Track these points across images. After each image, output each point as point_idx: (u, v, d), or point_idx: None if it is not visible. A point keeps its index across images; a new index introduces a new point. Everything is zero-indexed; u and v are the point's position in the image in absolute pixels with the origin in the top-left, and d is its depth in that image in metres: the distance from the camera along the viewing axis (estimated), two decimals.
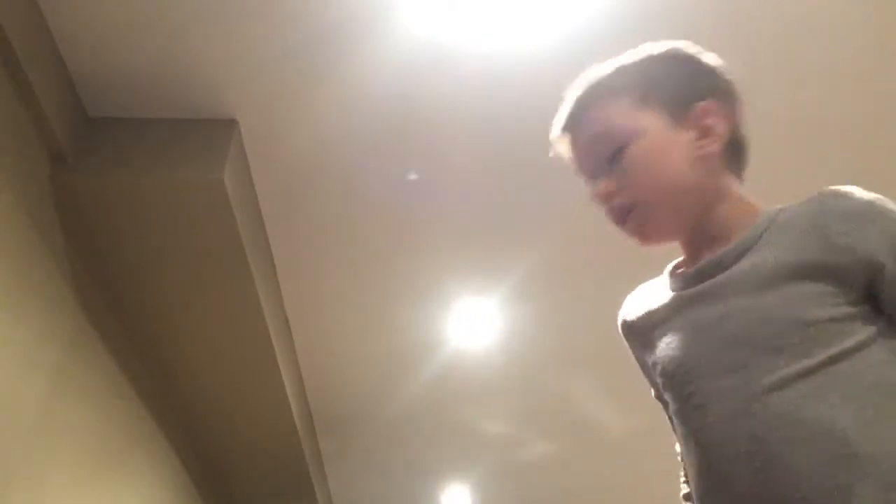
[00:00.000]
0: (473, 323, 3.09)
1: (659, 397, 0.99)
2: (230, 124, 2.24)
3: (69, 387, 2.26)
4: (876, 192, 0.90)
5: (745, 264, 0.86)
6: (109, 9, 1.97)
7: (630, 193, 0.92)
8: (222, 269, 2.42)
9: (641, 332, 0.97)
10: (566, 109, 0.98)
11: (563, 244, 2.67)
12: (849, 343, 0.78)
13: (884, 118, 2.30)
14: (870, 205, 0.85)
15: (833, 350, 0.77)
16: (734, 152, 0.96)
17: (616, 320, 1.06)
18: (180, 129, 2.22)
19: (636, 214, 0.92)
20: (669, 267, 1.01)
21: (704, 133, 0.92)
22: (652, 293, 0.99)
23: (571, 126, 0.97)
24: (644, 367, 1.01)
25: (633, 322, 1.00)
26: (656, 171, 0.91)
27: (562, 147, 1.00)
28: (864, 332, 0.79)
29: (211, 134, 2.22)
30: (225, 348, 2.77)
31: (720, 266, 0.88)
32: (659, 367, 0.91)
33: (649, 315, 0.96)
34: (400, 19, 2.01)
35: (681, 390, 0.86)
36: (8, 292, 1.90)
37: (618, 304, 1.08)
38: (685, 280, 0.92)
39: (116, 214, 2.22)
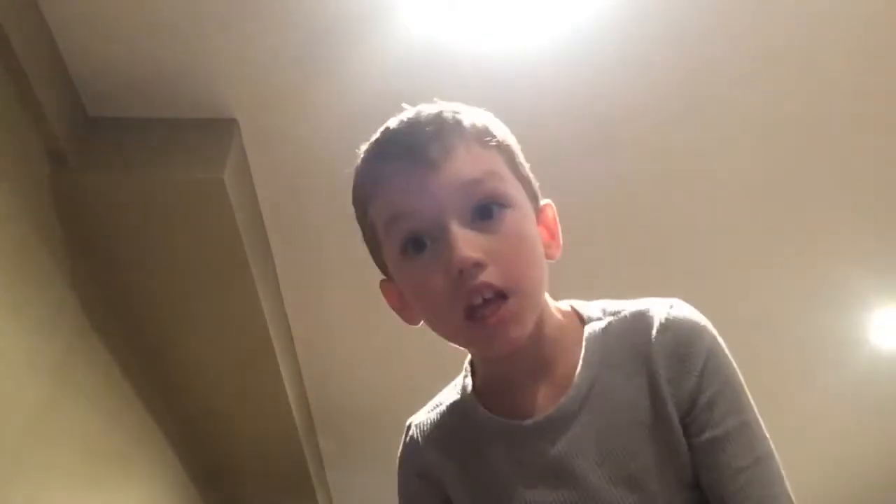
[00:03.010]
0: None
1: None
2: (230, 124, 2.24)
3: (69, 387, 2.25)
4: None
5: (587, 422, 0.74)
6: (110, 9, 1.97)
7: (506, 273, 0.70)
8: (222, 269, 2.41)
9: (454, 481, 0.82)
10: (445, 138, 0.73)
11: (563, 243, 2.67)
12: None
13: (882, 116, 2.31)
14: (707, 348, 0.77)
15: None
16: None
17: None
18: (180, 129, 2.21)
19: (505, 308, 0.70)
20: (464, 391, 0.84)
21: (551, 235, 0.81)
22: (456, 429, 0.83)
23: (438, 153, 0.72)
24: None
25: (436, 475, 0.84)
26: (533, 255, 0.74)
27: (411, 171, 0.72)
28: None
29: (211, 134, 2.21)
30: (225, 348, 2.77)
31: (563, 421, 0.75)
32: None
33: (470, 463, 0.81)
34: (400, 19, 2.01)
35: None
36: (8, 292, 1.90)
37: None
38: (516, 429, 0.77)
39: (116, 214, 2.22)
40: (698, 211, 2.62)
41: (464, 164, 0.72)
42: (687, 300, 0.82)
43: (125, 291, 2.48)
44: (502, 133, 0.79)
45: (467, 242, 0.69)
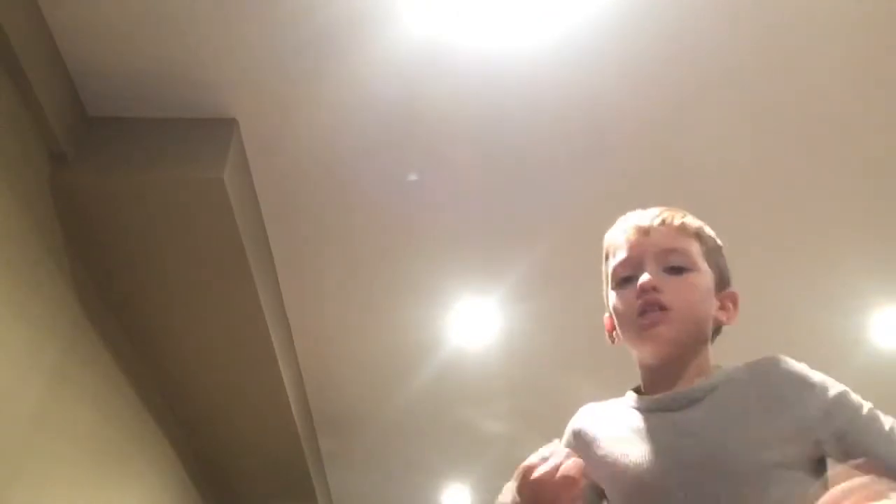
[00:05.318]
0: (473, 323, 3.09)
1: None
2: (230, 124, 2.24)
3: (69, 387, 2.26)
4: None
5: (708, 405, 1.04)
6: (109, 8, 1.97)
7: (671, 300, 1.07)
8: (222, 269, 2.42)
9: (598, 445, 1.10)
10: (661, 219, 1.15)
11: (563, 244, 2.67)
12: (796, 488, 0.94)
13: (882, 116, 2.31)
14: (805, 374, 1.06)
15: (783, 491, 0.93)
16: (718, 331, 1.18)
17: None
18: (180, 128, 2.22)
19: (664, 315, 1.06)
20: (629, 393, 1.16)
21: (723, 308, 1.16)
22: (610, 410, 1.15)
23: (661, 230, 1.14)
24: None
25: (589, 434, 1.13)
26: (696, 301, 1.10)
27: (634, 233, 1.15)
28: (806, 479, 0.95)
29: (211, 134, 2.22)
30: (225, 348, 2.77)
31: (687, 400, 1.05)
32: (627, 478, 1.03)
33: (613, 430, 1.10)
34: (400, 19, 2.01)
35: (650, 502, 1.00)
36: (8, 292, 1.90)
37: None
38: (655, 404, 1.08)
39: (116, 214, 2.22)
40: (697, 210, 2.62)
41: (673, 240, 1.13)
42: None
43: (125, 291, 2.48)
44: (704, 234, 1.17)
45: (647, 276, 1.08)
